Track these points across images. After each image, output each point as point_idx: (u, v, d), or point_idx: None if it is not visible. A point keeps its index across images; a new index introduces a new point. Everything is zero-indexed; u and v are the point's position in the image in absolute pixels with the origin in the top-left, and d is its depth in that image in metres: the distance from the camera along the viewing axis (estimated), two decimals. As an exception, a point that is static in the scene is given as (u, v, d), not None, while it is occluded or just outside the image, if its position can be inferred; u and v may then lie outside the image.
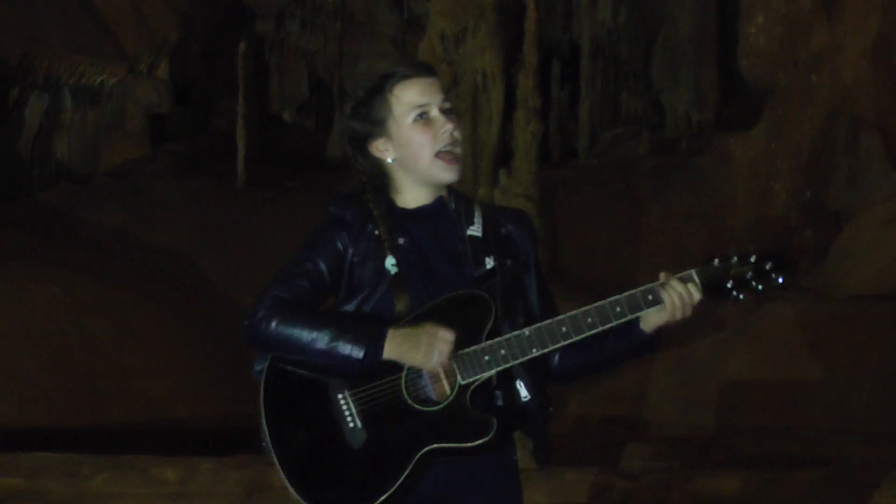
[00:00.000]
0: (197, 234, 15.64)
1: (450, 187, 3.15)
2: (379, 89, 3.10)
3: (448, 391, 2.98)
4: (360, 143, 3.13)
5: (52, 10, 17.41)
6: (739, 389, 10.75)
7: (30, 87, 17.78)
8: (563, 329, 2.99)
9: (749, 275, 3.03)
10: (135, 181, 17.28)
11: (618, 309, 3.00)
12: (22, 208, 16.51)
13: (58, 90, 17.99)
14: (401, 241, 3.06)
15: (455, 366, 2.98)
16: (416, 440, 2.96)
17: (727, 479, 8.08)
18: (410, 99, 3.07)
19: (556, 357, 3.12)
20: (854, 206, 13.62)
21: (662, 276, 3.02)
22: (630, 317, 3.01)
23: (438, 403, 2.97)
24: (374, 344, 2.95)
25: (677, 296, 3.00)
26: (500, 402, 3.05)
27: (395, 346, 2.96)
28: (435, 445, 2.96)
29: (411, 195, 3.12)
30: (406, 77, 3.08)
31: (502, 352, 2.98)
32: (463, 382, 2.98)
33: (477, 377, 2.98)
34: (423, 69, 3.11)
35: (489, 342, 2.99)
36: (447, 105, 3.10)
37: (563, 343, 3.00)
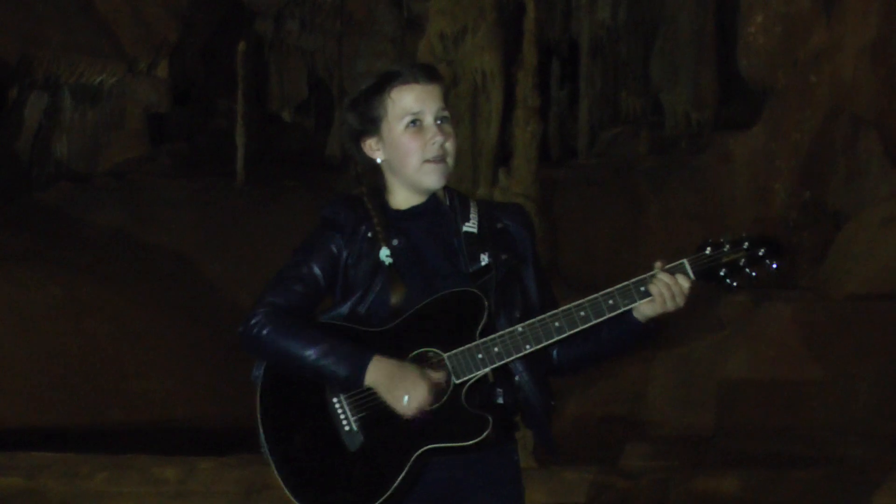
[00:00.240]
0: (196, 233, 15.64)
1: (447, 185, 3.16)
2: (378, 88, 3.11)
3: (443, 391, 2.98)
4: (355, 138, 3.15)
5: (51, 9, 17.41)
6: (739, 389, 10.75)
7: (29, 86, 17.78)
8: (557, 324, 2.99)
9: (742, 261, 3.01)
10: (134, 181, 17.28)
11: (610, 302, 2.99)
12: (21, 208, 16.50)
13: (57, 90, 17.99)
14: (395, 242, 3.07)
15: (449, 365, 2.97)
16: (412, 441, 2.96)
17: (726, 479, 8.08)
18: (405, 105, 3.07)
19: (555, 350, 3.13)
20: (853, 206, 13.62)
21: (657, 265, 3.02)
22: (622, 309, 3.00)
23: (434, 403, 2.97)
24: (356, 370, 2.97)
25: (665, 287, 2.99)
26: (500, 400, 3.05)
27: (374, 378, 2.97)
28: (431, 445, 2.96)
29: (402, 197, 3.13)
30: (406, 82, 3.08)
31: (496, 349, 2.98)
32: (457, 381, 2.98)
33: (471, 375, 2.98)
34: (425, 75, 3.10)
35: (482, 340, 2.99)
36: (444, 114, 3.09)
37: (556, 338, 3.00)
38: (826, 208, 14.33)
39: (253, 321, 3.05)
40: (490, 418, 2.96)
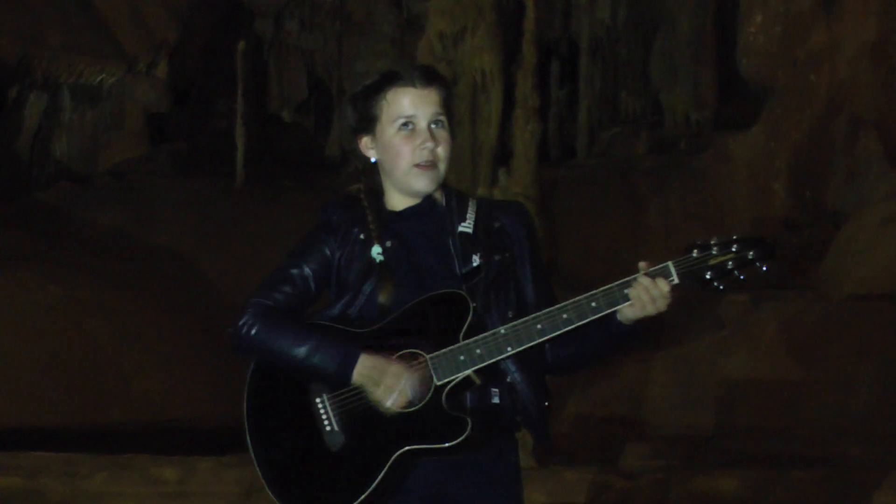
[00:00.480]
0: (196, 233, 15.64)
1: (446, 184, 3.16)
2: (376, 88, 3.12)
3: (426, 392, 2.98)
4: (352, 135, 3.17)
5: (50, 9, 17.40)
6: (738, 389, 10.74)
7: (28, 86, 17.78)
8: (539, 326, 2.98)
9: (730, 264, 2.97)
10: (134, 181, 17.28)
11: (593, 304, 2.98)
12: (21, 208, 16.50)
13: (57, 90, 17.98)
14: (388, 243, 3.07)
15: (431, 367, 2.97)
16: (392, 442, 2.97)
17: (726, 479, 8.08)
18: (400, 107, 3.08)
19: (549, 350, 3.12)
20: (853, 206, 13.62)
21: (642, 265, 3.00)
22: (606, 311, 2.99)
23: (415, 405, 2.97)
24: (344, 366, 2.99)
25: (643, 291, 2.97)
26: (496, 400, 3.05)
27: (362, 375, 2.99)
28: (410, 447, 2.96)
29: (396, 198, 3.14)
30: (402, 84, 3.08)
31: (478, 351, 2.97)
32: (438, 383, 2.98)
33: (452, 377, 2.98)
34: (422, 79, 3.10)
35: (465, 342, 2.98)
36: (439, 118, 3.09)
37: (538, 340, 2.99)
38: (825, 208, 14.32)
39: (241, 321, 3.08)
40: (469, 420, 2.95)
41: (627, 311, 3.00)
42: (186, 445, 9.10)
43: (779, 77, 14.92)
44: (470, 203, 3.15)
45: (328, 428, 3.00)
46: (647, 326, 3.05)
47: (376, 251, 3.06)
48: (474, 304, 3.00)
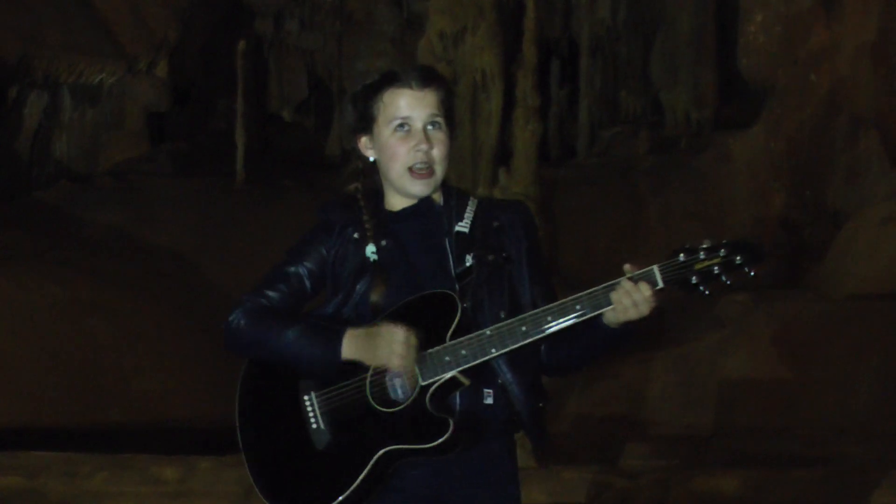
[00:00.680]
0: (196, 233, 15.64)
1: (446, 184, 3.16)
2: (374, 89, 3.12)
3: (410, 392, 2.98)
4: (352, 133, 3.18)
5: (51, 9, 17.41)
6: (738, 388, 10.74)
7: (29, 86, 17.78)
8: (524, 328, 2.96)
9: (716, 269, 2.92)
10: (134, 180, 17.28)
11: (578, 307, 2.96)
12: (21, 207, 16.50)
13: (57, 89, 17.98)
14: (383, 243, 3.08)
15: (417, 366, 2.97)
16: (375, 441, 2.97)
17: (726, 479, 8.08)
18: (395, 109, 3.08)
19: (544, 351, 3.12)
20: (853, 205, 13.62)
21: (627, 268, 2.97)
22: (590, 314, 2.97)
23: (400, 404, 2.97)
24: (332, 344, 2.99)
25: (624, 295, 2.94)
26: (490, 401, 3.05)
27: (353, 347, 2.98)
28: (393, 447, 2.96)
29: (395, 198, 3.14)
30: (399, 86, 3.08)
31: (462, 352, 2.96)
32: (423, 383, 2.97)
33: (437, 378, 2.97)
34: (419, 80, 3.09)
35: (451, 342, 2.97)
36: (435, 120, 3.08)
37: (522, 342, 2.97)
38: (826, 208, 14.33)
39: (231, 318, 3.11)
40: (451, 422, 2.94)
41: (611, 315, 2.98)
42: (186, 445, 9.11)
43: (779, 77, 14.92)
44: (470, 202, 3.15)
45: (314, 426, 3.01)
46: (635, 330, 3.02)
47: (370, 250, 3.06)
48: (464, 305, 3.00)
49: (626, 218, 15.54)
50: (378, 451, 2.96)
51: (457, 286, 3.03)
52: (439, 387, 2.98)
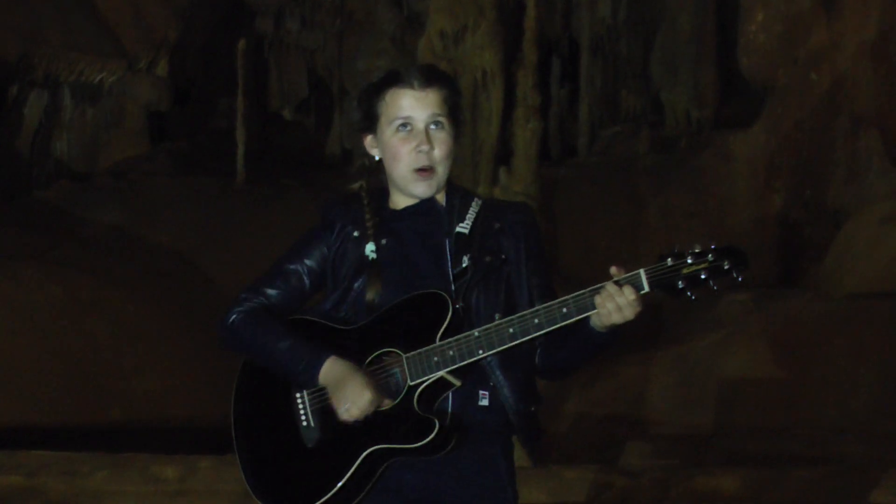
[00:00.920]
0: (196, 232, 15.64)
1: (451, 184, 3.16)
2: (379, 88, 3.14)
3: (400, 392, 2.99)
4: (358, 132, 3.20)
5: (51, 8, 17.41)
6: (738, 388, 10.74)
7: (29, 85, 17.78)
8: (511, 330, 2.96)
9: (703, 274, 2.90)
10: (134, 179, 17.28)
11: (564, 310, 2.95)
12: (21, 206, 16.50)
13: (57, 88, 17.98)
14: (383, 241, 3.09)
15: (406, 367, 2.97)
16: (362, 440, 2.98)
17: (726, 478, 8.07)
18: (397, 108, 3.09)
19: (538, 354, 3.12)
20: (853, 205, 13.62)
21: (613, 270, 2.97)
22: (577, 317, 2.96)
23: (386, 406, 2.99)
24: (310, 370, 3.03)
25: (608, 298, 2.93)
26: (485, 402, 3.05)
27: (326, 380, 3.02)
28: (378, 446, 2.97)
29: (398, 196, 3.15)
30: (402, 85, 3.09)
31: (451, 353, 2.97)
32: (411, 383, 2.98)
33: (424, 378, 2.98)
34: (421, 80, 3.10)
35: (439, 343, 2.98)
36: (439, 119, 3.09)
37: (509, 344, 2.97)
38: (826, 207, 14.33)
39: (228, 315, 3.14)
40: (437, 422, 2.95)
41: (595, 318, 2.98)
42: (187, 444, 9.10)
43: (779, 76, 14.93)
44: (473, 203, 3.15)
45: (304, 423, 3.03)
46: (621, 333, 3.02)
47: (370, 248, 3.07)
48: (456, 306, 3.00)
49: (626, 217, 15.55)
50: (364, 451, 2.97)
51: (452, 287, 3.03)
52: (428, 387, 2.98)
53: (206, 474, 8.13)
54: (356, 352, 3.02)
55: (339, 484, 2.96)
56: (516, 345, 2.98)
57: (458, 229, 3.10)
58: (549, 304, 2.97)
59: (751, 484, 7.98)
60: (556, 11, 18.89)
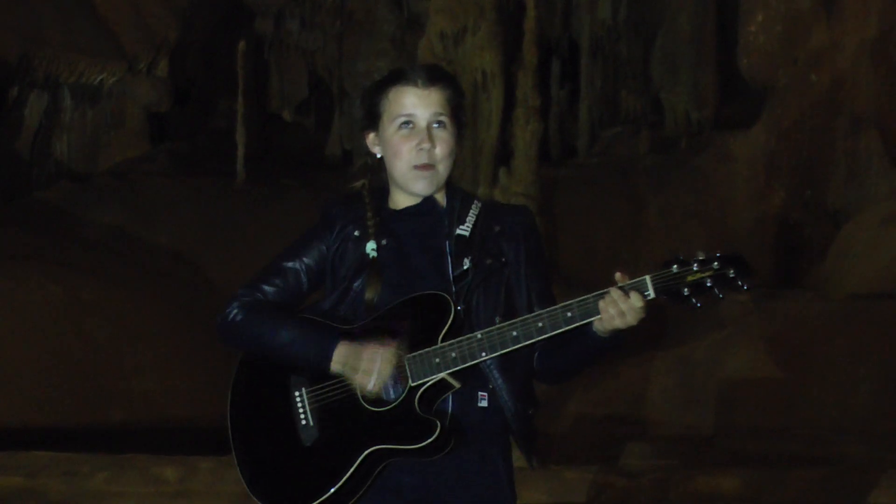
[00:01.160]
0: (197, 232, 15.65)
1: (451, 185, 3.16)
2: (382, 86, 3.14)
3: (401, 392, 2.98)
4: (361, 130, 3.20)
5: (51, 9, 17.41)
6: (739, 388, 10.75)
7: (29, 85, 17.78)
8: (514, 333, 2.96)
9: (709, 281, 2.90)
10: (134, 180, 17.28)
11: (568, 314, 2.95)
12: (21, 207, 16.50)
13: (57, 89, 17.98)
14: (384, 241, 3.08)
15: (407, 367, 2.97)
16: (362, 440, 2.97)
17: (726, 478, 8.07)
18: (400, 106, 3.09)
19: (537, 358, 3.12)
20: (853, 205, 13.63)
21: (618, 276, 2.97)
22: (580, 322, 2.96)
23: (389, 404, 2.98)
24: (323, 354, 3.01)
25: (612, 304, 2.92)
26: (484, 403, 3.04)
27: (341, 362, 3.00)
28: (379, 446, 2.96)
29: (398, 196, 3.15)
30: (405, 83, 3.09)
31: (452, 354, 2.96)
32: (413, 384, 2.97)
33: (426, 379, 2.97)
34: (425, 78, 3.10)
35: (441, 345, 2.97)
36: (441, 119, 3.08)
37: (511, 347, 2.96)
38: (826, 207, 14.33)
39: (227, 311, 3.12)
40: (438, 424, 2.94)
41: (598, 323, 2.97)
42: (187, 445, 9.10)
43: (779, 76, 14.93)
44: (473, 205, 3.15)
45: (303, 422, 3.02)
46: (624, 339, 3.01)
47: (370, 247, 3.07)
48: (458, 308, 3.00)
49: (626, 218, 15.55)
50: (365, 450, 2.96)
51: (453, 289, 3.03)
52: (429, 388, 2.98)
53: (206, 475, 8.13)
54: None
55: (339, 483, 2.95)
56: (518, 348, 2.98)
57: (458, 231, 3.10)
58: (552, 308, 2.96)
59: (751, 484, 7.98)
60: (556, 12, 18.88)
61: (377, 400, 2.99)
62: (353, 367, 2.98)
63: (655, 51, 18.61)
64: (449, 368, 2.96)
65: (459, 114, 3.13)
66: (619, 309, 2.92)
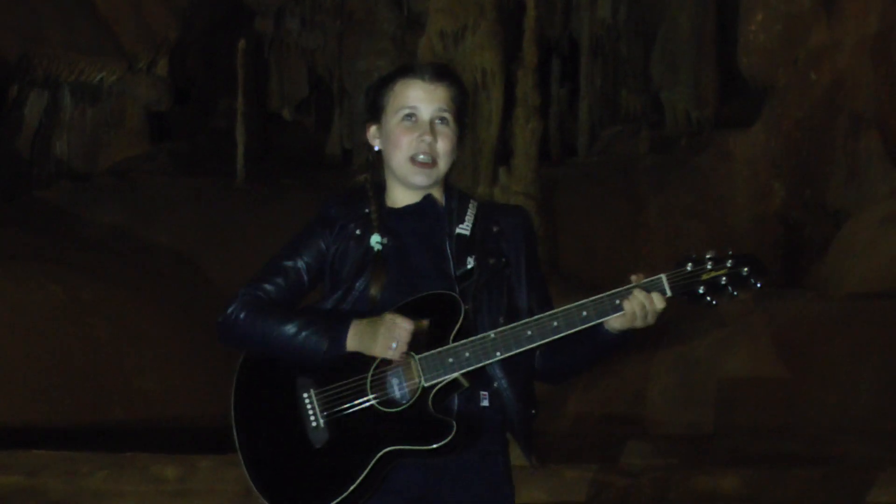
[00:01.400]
0: (196, 231, 15.65)
1: (449, 184, 3.16)
2: (388, 80, 3.14)
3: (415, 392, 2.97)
4: (363, 123, 3.20)
5: (51, 8, 17.41)
6: (739, 387, 10.75)
7: (29, 85, 17.78)
8: (529, 333, 2.96)
9: (724, 280, 2.93)
10: (134, 179, 17.29)
11: (584, 314, 2.96)
12: (21, 206, 16.51)
13: (57, 88, 17.99)
14: (384, 240, 3.07)
15: (419, 367, 2.97)
16: (376, 441, 2.95)
17: (726, 477, 8.08)
18: (404, 98, 3.09)
19: (539, 358, 3.11)
20: (853, 204, 13.63)
21: (634, 278, 2.97)
22: (595, 322, 2.97)
23: (402, 405, 2.97)
24: (336, 335, 2.98)
25: (638, 305, 2.94)
26: (486, 403, 3.04)
27: (357, 338, 2.97)
28: (394, 447, 2.95)
29: (397, 193, 3.14)
30: (412, 77, 3.10)
31: (466, 354, 2.95)
32: (426, 384, 2.96)
33: (440, 379, 2.96)
34: (432, 74, 3.10)
35: (454, 344, 2.96)
36: (444, 115, 3.09)
37: (527, 346, 2.97)
38: (826, 207, 14.33)
39: (230, 310, 3.09)
40: (454, 424, 2.93)
41: (615, 322, 2.98)
42: (187, 444, 9.10)
43: (779, 75, 14.93)
44: (471, 205, 3.15)
45: (313, 424, 2.99)
46: (633, 338, 3.03)
47: (375, 240, 3.06)
48: (466, 307, 2.99)
49: (626, 217, 15.55)
50: (379, 452, 2.95)
51: (457, 288, 3.03)
52: (440, 388, 2.97)
53: (206, 474, 8.13)
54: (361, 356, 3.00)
55: (355, 484, 2.93)
56: (532, 348, 2.98)
57: (458, 230, 3.09)
58: (567, 307, 2.97)
59: (751, 483, 7.98)
60: (556, 11, 18.89)
61: (389, 401, 2.97)
62: (371, 337, 2.95)
63: (655, 50, 18.62)
64: (463, 368, 2.95)
65: (462, 115, 3.14)
66: (644, 310, 2.94)
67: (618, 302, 2.96)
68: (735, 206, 15.15)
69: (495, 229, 3.12)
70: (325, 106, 20.50)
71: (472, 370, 2.98)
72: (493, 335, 2.96)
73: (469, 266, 3.06)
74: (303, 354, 3.01)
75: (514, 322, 3.00)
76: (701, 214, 15.26)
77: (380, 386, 2.98)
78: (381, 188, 3.15)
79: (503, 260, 3.09)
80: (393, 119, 3.09)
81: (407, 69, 3.12)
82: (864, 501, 7.58)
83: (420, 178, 3.08)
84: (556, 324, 2.96)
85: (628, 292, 2.95)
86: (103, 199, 16.44)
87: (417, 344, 2.97)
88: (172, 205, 16.22)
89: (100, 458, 8.44)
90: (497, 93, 14.82)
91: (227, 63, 18.49)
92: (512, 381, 3.05)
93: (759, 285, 2.94)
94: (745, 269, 2.94)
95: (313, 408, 3.01)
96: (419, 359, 2.97)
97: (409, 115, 3.08)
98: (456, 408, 3.00)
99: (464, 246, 3.08)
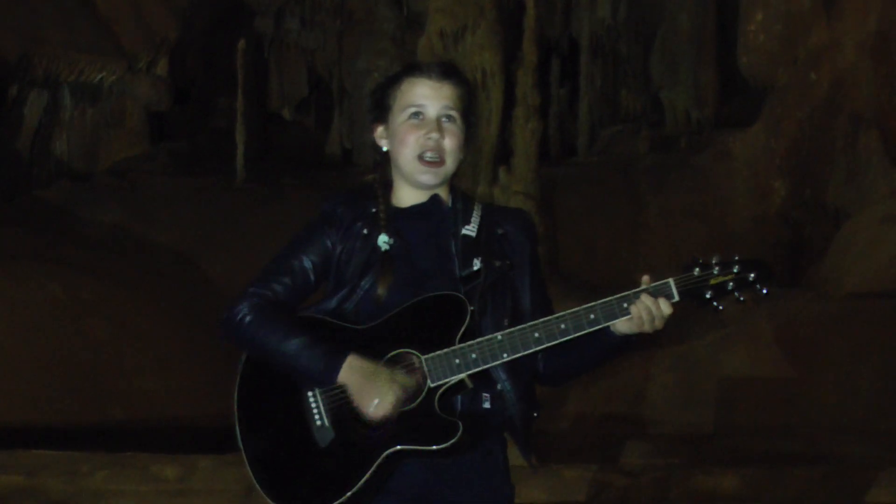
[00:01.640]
0: (196, 231, 15.64)
1: (453, 186, 3.16)
2: (395, 79, 3.14)
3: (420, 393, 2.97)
4: (370, 123, 3.19)
5: (51, 7, 17.41)
6: (739, 387, 10.75)
7: (29, 84, 17.78)
8: (536, 335, 2.97)
9: (730, 285, 2.97)
10: (134, 179, 17.29)
11: (592, 316, 2.97)
12: (21, 206, 16.51)
13: (57, 88, 17.99)
14: (391, 240, 3.07)
15: (425, 368, 2.96)
16: (381, 441, 2.95)
17: (726, 477, 8.08)
18: (411, 96, 3.09)
19: (541, 360, 3.12)
20: (853, 204, 13.62)
21: (644, 280, 2.99)
22: (603, 325, 2.98)
23: (409, 405, 2.96)
24: (330, 369, 2.98)
25: (645, 310, 2.96)
26: (487, 405, 3.04)
27: (347, 378, 2.97)
28: (400, 447, 2.95)
29: (404, 193, 3.14)
30: (419, 75, 3.10)
31: (473, 355, 2.96)
32: (432, 385, 2.96)
33: (446, 380, 2.96)
34: (438, 72, 3.11)
35: (461, 345, 2.97)
36: (451, 113, 3.09)
37: (534, 349, 2.98)
38: (826, 206, 14.33)
39: (236, 309, 3.07)
40: (461, 425, 2.94)
41: (622, 325, 3.00)
42: (187, 443, 9.10)
43: (779, 75, 14.93)
44: (475, 207, 3.15)
45: (318, 423, 2.99)
46: (640, 340, 3.04)
47: (383, 239, 3.05)
48: (472, 308, 2.99)
49: (626, 217, 15.55)
50: (385, 451, 2.95)
51: (462, 289, 3.03)
52: (446, 389, 2.97)
53: (206, 474, 8.13)
54: (370, 352, 2.98)
55: (360, 483, 2.93)
56: (540, 350, 2.98)
57: (464, 231, 3.09)
58: (575, 309, 2.98)
59: (751, 483, 7.98)
60: (556, 11, 18.89)
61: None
62: (358, 388, 2.95)
63: (655, 50, 18.62)
64: (470, 369, 2.96)
65: (469, 114, 3.14)
66: (651, 315, 2.95)
67: (626, 305, 2.98)
68: (735, 205, 15.15)
69: (500, 232, 3.12)
70: (325, 106, 20.50)
71: (477, 372, 2.98)
72: (500, 337, 2.97)
73: (475, 268, 3.06)
74: (297, 373, 3.02)
75: (516, 325, 3.00)
76: (701, 214, 15.25)
77: None
78: (389, 188, 3.14)
79: (508, 262, 3.10)
80: (400, 117, 3.09)
81: (413, 68, 3.13)
82: (864, 501, 7.58)
83: (427, 177, 3.08)
84: (563, 326, 2.97)
85: (636, 296, 2.97)
86: (103, 198, 16.44)
87: (424, 344, 2.97)
88: (172, 205, 16.22)
89: (100, 458, 8.44)
90: (497, 93, 14.82)
91: (226, 63, 18.48)
92: (515, 382, 3.05)
93: (765, 291, 2.96)
94: (752, 274, 2.96)
95: (318, 407, 3.00)
96: (426, 359, 2.96)
97: (416, 113, 3.08)
98: (459, 409, 3.01)
99: (469, 247, 3.08)
